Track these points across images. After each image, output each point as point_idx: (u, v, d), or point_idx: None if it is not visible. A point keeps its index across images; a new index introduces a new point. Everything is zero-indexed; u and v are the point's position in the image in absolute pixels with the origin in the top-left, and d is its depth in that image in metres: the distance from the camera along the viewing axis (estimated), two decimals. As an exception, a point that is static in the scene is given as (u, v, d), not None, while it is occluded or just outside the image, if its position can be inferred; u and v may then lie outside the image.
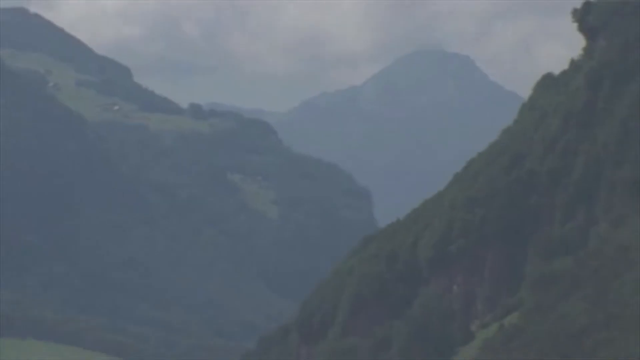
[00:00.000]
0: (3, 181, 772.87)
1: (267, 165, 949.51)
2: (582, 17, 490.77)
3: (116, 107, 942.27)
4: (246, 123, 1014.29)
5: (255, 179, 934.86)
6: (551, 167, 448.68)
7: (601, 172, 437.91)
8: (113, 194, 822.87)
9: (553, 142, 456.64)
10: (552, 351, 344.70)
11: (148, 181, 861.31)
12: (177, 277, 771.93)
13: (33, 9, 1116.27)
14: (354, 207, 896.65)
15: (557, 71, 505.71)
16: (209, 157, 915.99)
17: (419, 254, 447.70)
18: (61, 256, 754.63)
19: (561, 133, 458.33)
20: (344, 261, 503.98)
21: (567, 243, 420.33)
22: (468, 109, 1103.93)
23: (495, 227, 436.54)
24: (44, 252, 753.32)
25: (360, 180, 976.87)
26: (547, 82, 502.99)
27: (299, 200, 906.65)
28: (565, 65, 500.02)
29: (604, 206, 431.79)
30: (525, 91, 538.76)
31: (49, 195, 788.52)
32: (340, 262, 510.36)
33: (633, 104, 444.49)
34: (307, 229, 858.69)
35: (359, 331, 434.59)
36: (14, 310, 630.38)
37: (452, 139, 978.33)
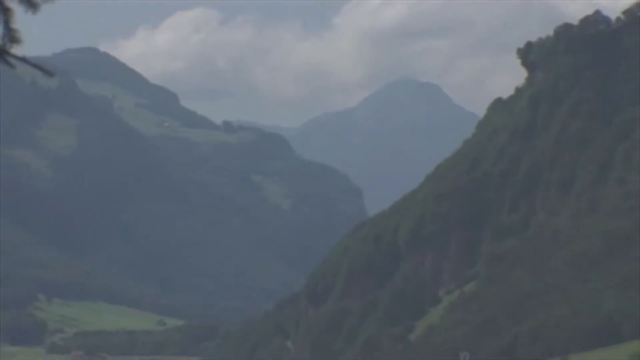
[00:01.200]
0: (80, 181, 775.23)
1: (282, 168, 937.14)
2: (524, 55, 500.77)
3: (166, 124, 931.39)
4: (266, 136, 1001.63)
5: (272, 179, 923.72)
6: (501, 170, 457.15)
7: (539, 174, 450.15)
8: (164, 191, 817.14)
9: (502, 150, 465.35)
10: (501, 312, 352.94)
11: (190, 181, 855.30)
12: (212, 255, 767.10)
13: (102, 48, 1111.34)
14: (348, 201, 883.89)
15: (505, 96, 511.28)
16: (237, 163, 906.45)
17: (399, 237, 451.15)
18: (124, 239, 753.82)
19: (508, 143, 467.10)
20: (340, 242, 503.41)
21: (513, 228, 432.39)
22: (437, 126, 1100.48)
23: (457, 216, 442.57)
24: (111, 235, 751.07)
25: (354, 181, 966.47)
26: (498, 105, 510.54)
27: (306, 195, 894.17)
28: (511, 92, 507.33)
29: (541, 200, 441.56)
30: (481, 111, 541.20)
31: (115, 192, 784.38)
32: (338, 243, 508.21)
33: (563, 121, 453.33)
34: (312, 217, 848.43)
35: (352, 296, 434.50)
36: (89, 280, 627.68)
37: (424, 149, 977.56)
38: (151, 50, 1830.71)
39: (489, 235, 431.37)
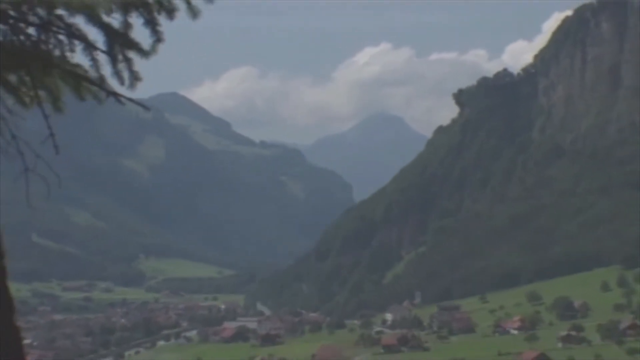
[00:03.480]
0: (167, 180, 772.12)
1: (299, 172, 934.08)
2: (457, 97, 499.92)
3: (222, 143, 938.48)
4: (288, 150, 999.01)
5: (292, 179, 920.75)
6: (442, 173, 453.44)
7: (467, 176, 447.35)
8: (221, 186, 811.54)
9: (442, 160, 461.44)
10: (441, 265, 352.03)
11: (239, 180, 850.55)
12: (253, 228, 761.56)
13: (181, 92, 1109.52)
14: (342, 193, 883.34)
15: (445, 124, 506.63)
16: (269, 168, 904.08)
17: (375, 217, 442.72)
18: (195, 217, 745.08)
19: (446, 155, 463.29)
20: (337, 220, 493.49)
21: (450, 211, 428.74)
22: (401, 144, 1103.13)
23: (413, 203, 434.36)
24: (187, 215, 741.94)
25: (346, 179, 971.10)
26: (440, 130, 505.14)
27: (314, 189, 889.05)
28: (449, 122, 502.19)
29: (468, 193, 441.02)
30: (429, 134, 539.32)
31: (189, 187, 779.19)
32: (335, 221, 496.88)
33: (482, 141, 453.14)
34: (318, 204, 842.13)
35: (345, 256, 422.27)
36: (172, 244, 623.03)
37: (393, 159, 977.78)
38: (213, 94, 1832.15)
39: (434, 216, 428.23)
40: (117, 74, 5.24)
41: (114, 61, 5.19)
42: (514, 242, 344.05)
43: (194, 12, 5.31)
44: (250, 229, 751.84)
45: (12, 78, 5.22)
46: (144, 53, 5.21)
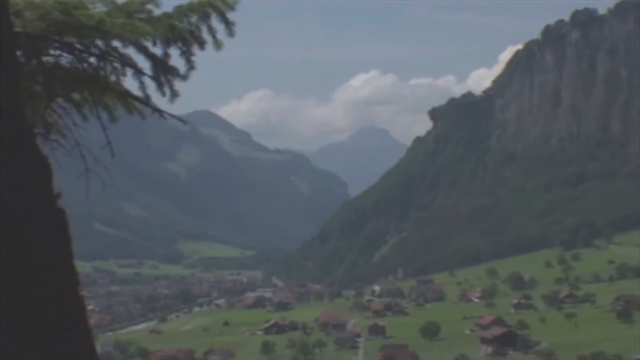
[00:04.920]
0: (200, 180, 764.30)
1: (305, 173, 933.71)
2: (432, 114, 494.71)
3: (245, 150, 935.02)
4: (297, 156, 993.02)
5: (300, 179, 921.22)
6: (420, 174, 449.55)
7: (439, 177, 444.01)
8: (243, 185, 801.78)
9: (420, 164, 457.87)
10: (419, 248, 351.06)
11: (258, 180, 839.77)
12: (269, 218, 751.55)
13: (211, 109, 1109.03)
14: (340, 190, 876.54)
15: (422, 135, 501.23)
16: (281, 170, 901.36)
17: (366, 209, 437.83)
18: (224, 208, 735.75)
19: (423, 160, 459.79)
20: (336, 212, 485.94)
21: (426, 205, 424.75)
22: (387, 151, 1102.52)
23: (397, 198, 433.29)
24: (217, 206, 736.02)
25: (343, 179, 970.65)
26: (418, 140, 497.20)
27: (318, 187, 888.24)
28: (424, 133, 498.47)
29: (441, 190, 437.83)
30: (409, 143, 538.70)
31: (219, 185, 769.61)
32: (334, 212, 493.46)
33: (451, 150, 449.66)
34: (321, 199, 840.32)
35: (342, 240, 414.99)
36: (205, 230, 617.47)
37: (380, 163, 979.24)
38: (237, 111, 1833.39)
39: (413, 208, 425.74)
40: (161, 93, 5.52)
41: (158, 83, 5.46)
42: (476, 229, 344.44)
43: (218, 45, 5.50)
44: (266, 218, 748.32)
45: (77, 97, 5.53)
46: (180, 77, 5.48)
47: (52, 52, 5.20)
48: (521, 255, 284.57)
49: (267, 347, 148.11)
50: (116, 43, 5.22)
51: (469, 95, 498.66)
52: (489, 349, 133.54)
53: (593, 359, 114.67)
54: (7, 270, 3.33)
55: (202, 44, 5.49)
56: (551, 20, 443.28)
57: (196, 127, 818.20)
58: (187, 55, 5.46)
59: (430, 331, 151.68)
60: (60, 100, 5.56)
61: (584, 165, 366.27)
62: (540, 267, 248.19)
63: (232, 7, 5.46)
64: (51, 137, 5.63)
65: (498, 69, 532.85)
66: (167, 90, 5.52)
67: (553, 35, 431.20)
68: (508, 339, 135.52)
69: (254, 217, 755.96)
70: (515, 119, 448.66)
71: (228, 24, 5.47)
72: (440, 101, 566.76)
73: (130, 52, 5.30)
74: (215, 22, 5.48)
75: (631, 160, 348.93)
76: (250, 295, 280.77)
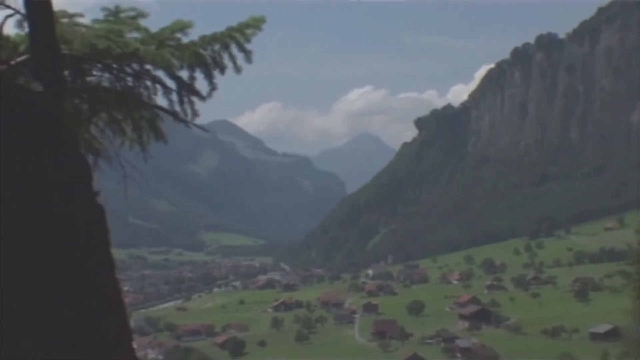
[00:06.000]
0: (215, 178, 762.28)
1: (309, 174, 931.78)
2: (417, 123, 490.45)
3: (258, 154, 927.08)
4: (302, 159, 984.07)
5: (304, 179, 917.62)
6: (406, 175, 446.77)
7: (424, 177, 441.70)
8: (256, 185, 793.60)
9: (407, 166, 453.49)
10: (406, 238, 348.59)
11: (268, 180, 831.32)
12: (277, 213, 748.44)
13: (229, 119, 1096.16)
14: (338, 188, 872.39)
15: (408, 141, 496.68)
16: (288, 171, 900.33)
17: (361, 204, 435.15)
18: (238, 205, 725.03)
19: (409, 163, 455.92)
20: (334, 207, 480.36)
21: (413, 201, 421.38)
22: (378, 155, 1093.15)
23: (387, 195, 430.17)
24: (232, 204, 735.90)
25: (341, 179, 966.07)
26: (405, 146, 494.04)
27: (319, 186, 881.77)
28: (411, 139, 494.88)
29: (424, 189, 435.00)
30: (398, 148, 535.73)
31: (234, 185, 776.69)
32: (333, 208, 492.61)
33: (433, 156, 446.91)
34: (322, 196, 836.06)
35: (340, 231, 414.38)
36: (239, 224, 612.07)
37: (374, 165, 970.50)
38: (251, 120, 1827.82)
39: (401, 204, 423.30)
40: (183, 110, 5.63)
41: (181, 102, 5.56)
42: (455, 222, 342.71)
43: (237, 70, 5.54)
44: (275, 213, 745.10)
45: (118, 116, 5.69)
46: (202, 98, 5.55)
47: (94, 72, 5.30)
48: (493, 243, 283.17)
49: (276, 322, 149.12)
50: (148, 66, 5.33)
51: (449, 107, 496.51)
52: (466, 324, 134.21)
53: (555, 332, 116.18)
54: (55, 256, 3.47)
55: (222, 69, 5.55)
56: (519, 43, 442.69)
57: (216, 134, 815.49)
58: (209, 78, 5.53)
59: (416, 308, 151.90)
60: (104, 116, 5.70)
61: (547, 168, 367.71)
62: (509, 254, 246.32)
63: (248, 39, 5.52)
64: (95, 146, 5.70)
65: (474, 84, 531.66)
66: (189, 110, 5.68)
67: (521, 55, 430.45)
68: (482, 315, 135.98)
69: (264, 212, 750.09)
70: (489, 127, 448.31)
71: (246, 53, 5.53)
72: (424, 112, 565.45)
73: (160, 74, 5.46)
74: (235, 50, 5.55)
75: (587, 163, 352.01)
76: (262, 278, 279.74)
